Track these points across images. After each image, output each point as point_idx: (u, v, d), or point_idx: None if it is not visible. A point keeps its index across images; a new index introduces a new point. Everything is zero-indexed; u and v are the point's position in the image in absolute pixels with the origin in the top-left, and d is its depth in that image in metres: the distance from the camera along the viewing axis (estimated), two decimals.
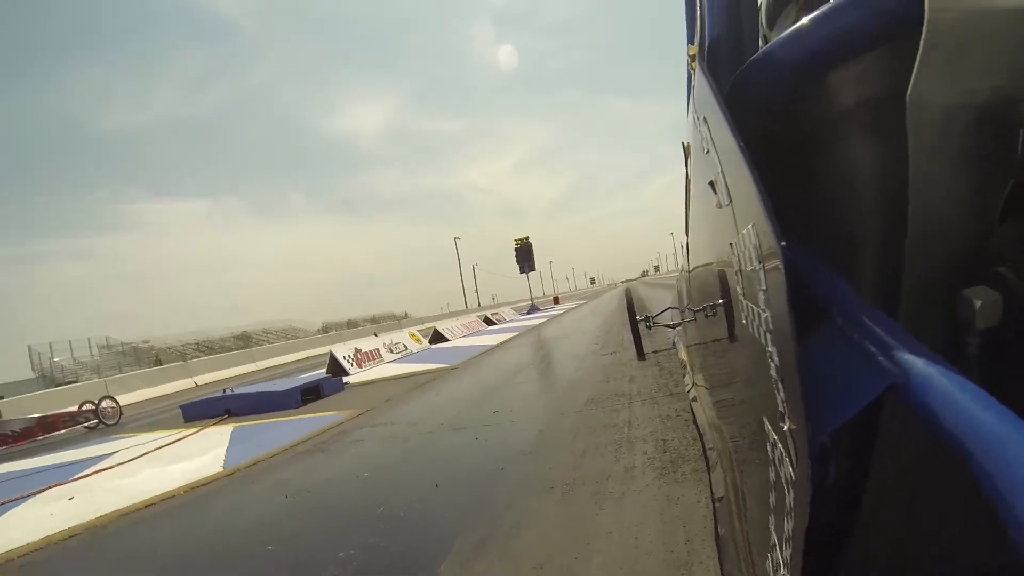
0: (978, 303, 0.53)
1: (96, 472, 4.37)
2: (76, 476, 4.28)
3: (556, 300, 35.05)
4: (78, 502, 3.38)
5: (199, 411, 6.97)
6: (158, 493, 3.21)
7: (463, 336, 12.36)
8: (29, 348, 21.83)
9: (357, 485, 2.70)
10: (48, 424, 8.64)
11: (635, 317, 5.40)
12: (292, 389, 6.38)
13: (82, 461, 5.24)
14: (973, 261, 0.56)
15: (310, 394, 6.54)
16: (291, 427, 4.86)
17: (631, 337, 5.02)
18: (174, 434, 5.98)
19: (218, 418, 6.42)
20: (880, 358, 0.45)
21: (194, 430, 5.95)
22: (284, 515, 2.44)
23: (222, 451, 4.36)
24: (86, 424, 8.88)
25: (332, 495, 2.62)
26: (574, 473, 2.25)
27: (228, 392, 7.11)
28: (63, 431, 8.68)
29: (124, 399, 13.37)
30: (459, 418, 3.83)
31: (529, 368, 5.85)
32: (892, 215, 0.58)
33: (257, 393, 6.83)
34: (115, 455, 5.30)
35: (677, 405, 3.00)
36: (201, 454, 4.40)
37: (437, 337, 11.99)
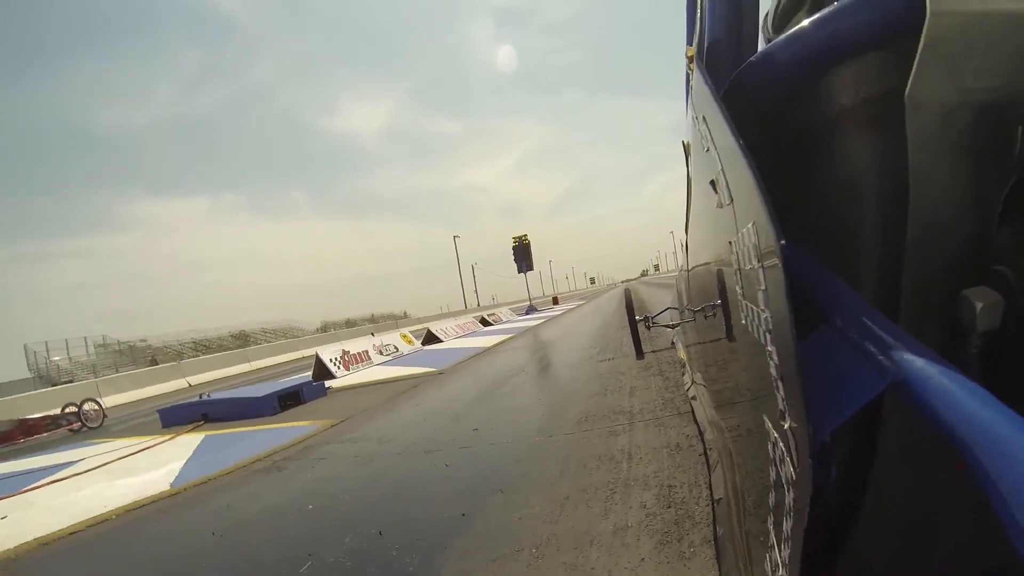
0: (979, 305, 0.52)
1: (47, 484, 4.08)
2: (23, 489, 3.99)
3: (555, 300, 34.49)
4: (10, 521, 3.12)
5: (176, 416, 6.67)
6: (89, 517, 2.92)
7: (457, 337, 12.01)
8: (25, 347, 21.73)
9: (296, 522, 2.33)
10: (29, 427, 8.37)
11: (634, 317, 5.15)
12: (270, 395, 6.05)
13: (42, 469, 4.98)
14: (973, 260, 0.55)
15: (290, 400, 6.21)
16: (259, 438, 4.53)
17: (630, 340, 4.70)
18: (145, 441, 5.71)
19: (193, 424, 6.12)
20: (880, 357, 0.45)
21: (167, 438, 5.68)
22: (198, 559, 2.09)
23: (179, 465, 4.05)
24: (69, 427, 8.61)
25: (265, 534, 2.27)
26: (550, 529, 1.83)
27: (206, 397, 6.81)
28: (44, 434, 8.40)
29: (115, 400, 13.16)
30: (434, 436, 3.45)
31: (519, 375, 5.45)
32: (892, 215, 0.58)
33: (234, 399, 6.52)
34: (79, 463, 5.05)
35: (687, 430, 2.57)
36: (158, 467, 4.12)
37: (430, 338, 11.67)
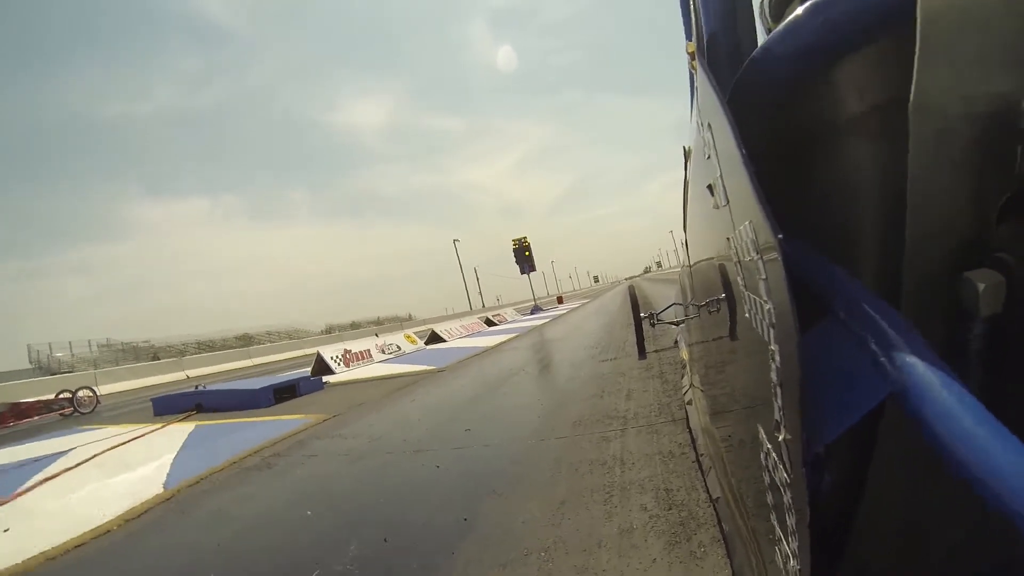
0: (981, 286, 0.52)
1: (41, 483, 3.88)
2: (16, 491, 3.82)
3: (559, 300, 34.33)
4: (12, 535, 2.78)
5: (169, 405, 6.61)
6: (88, 529, 2.63)
7: (460, 337, 11.93)
8: (28, 346, 21.70)
9: (292, 527, 2.21)
10: (21, 411, 8.33)
11: (639, 315, 5.07)
12: (265, 388, 5.98)
13: (34, 460, 4.82)
14: (973, 253, 0.55)
15: (286, 393, 6.15)
16: (250, 431, 4.43)
17: (633, 339, 4.60)
18: (137, 429, 5.63)
19: (185, 414, 6.04)
20: (881, 359, 0.44)
21: (157, 426, 5.59)
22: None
23: (170, 459, 3.91)
24: (61, 412, 8.57)
25: (260, 542, 2.14)
26: (554, 532, 1.72)
27: (201, 388, 6.74)
28: (35, 418, 8.35)
29: (111, 388, 13.17)
30: (426, 435, 3.34)
31: (517, 375, 5.35)
32: (892, 211, 0.57)
33: (229, 390, 6.46)
34: (70, 453, 4.92)
35: (680, 438, 2.47)
36: (149, 462, 3.95)
37: (434, 338, 11.61)
